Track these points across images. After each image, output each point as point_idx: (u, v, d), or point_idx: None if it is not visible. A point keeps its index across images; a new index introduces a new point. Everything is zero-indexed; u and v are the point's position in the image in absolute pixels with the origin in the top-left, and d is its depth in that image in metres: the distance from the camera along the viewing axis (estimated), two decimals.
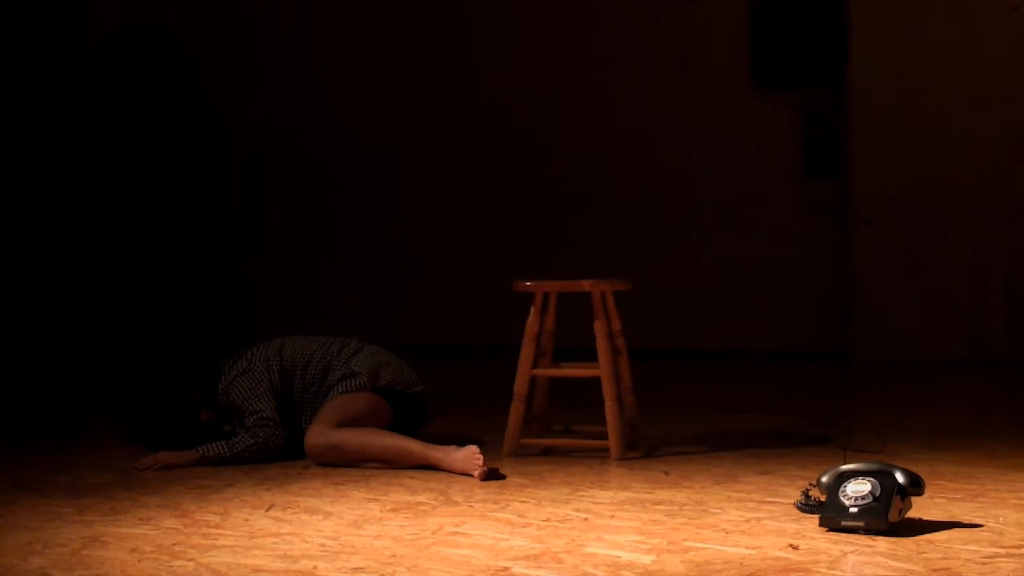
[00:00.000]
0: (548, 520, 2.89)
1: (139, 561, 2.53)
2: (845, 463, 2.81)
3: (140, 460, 3.71)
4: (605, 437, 3.80)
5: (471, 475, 3.45)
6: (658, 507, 3.02)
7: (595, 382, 3.83)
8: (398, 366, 3.95)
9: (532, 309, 3.89)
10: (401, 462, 3.61)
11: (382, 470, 3.59)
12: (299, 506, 3.09)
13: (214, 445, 3.74)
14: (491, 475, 3.46)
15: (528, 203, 8.24)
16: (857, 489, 2.67)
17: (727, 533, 2.72)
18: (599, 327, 3.81)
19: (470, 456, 3.48)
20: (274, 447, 3.76)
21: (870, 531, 2.63)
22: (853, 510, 2.65)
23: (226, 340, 8.26)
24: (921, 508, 2.88)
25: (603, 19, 8.14)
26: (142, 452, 3.81)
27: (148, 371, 4.18)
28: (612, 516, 2.93)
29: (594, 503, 3.09)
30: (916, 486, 2.71)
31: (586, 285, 3.84)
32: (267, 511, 3.03)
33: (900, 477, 2.69)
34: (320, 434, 3.68)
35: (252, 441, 3.74)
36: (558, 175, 8.20)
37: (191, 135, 9.05)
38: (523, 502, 3.11)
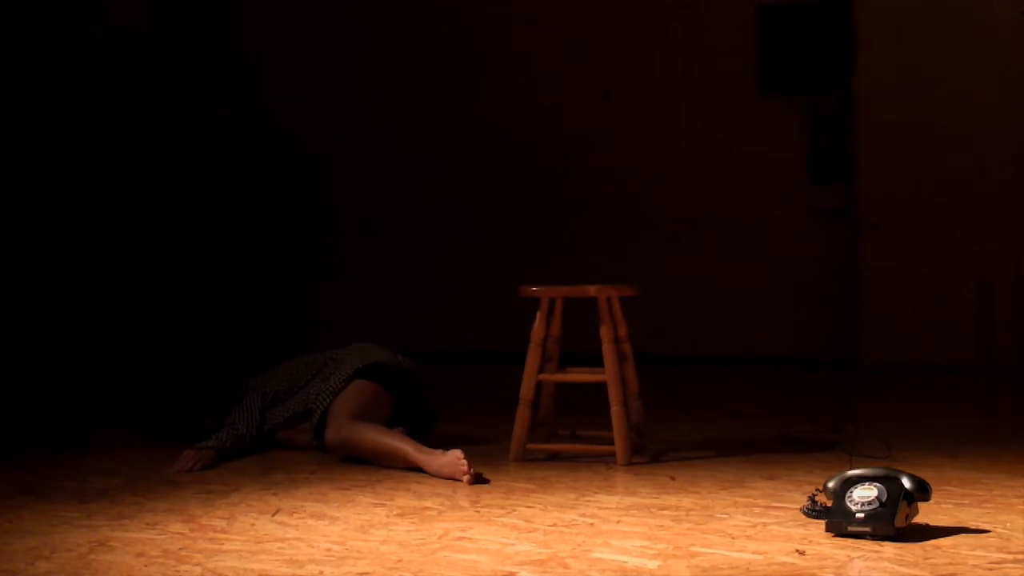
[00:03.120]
0: (554, 525, 2.89)
1: (145, 566, 2.53)
2: (851, 468, 2.81)
3: (176, 463, 3.80)
4: (611, 442, 3.80)
5: (457, 480, 3.47)
6: (664, 512, 3.02)
7: (601, 387, 3.83)
8: (387, 351, 4.19)
9: (538, 315, 3.89)
10: (398, 463, 3.68)
11: (388, 475, 3.60)
12: (305, 511, 3.09)
13: (214, 437, 3.95)
14: (477, 479, 3.47)
15: (534, 208, 8.25)
16: (864, 494, 2.67)
17: (733, 538, 2.72)
18: (605, 332, 3.81)
19: (455, 462, 3.49)
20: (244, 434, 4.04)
21: (877, 537, 2.63)
22: (860, 515, 2.64)
23: (230, 347, 8.27)
24: (928, 514, 2.87)
25: (607, 24, 8.15)
26: (151, 454, 3.83)
27: (190, 385, 4.51)
28: (618, 521, 2.92)
29: (600, 508, 3.09)
30: (923, 491, 2.71)
31: (592, 290, 3.84)
32: (273, 516, 3.03)
33: (907, 482, 2.69)
34: (336, 429, 3.84)
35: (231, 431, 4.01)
36: (564, 180, 8.21)
37: (196, 141, 9.07)
38: (529, 507, 3.11)
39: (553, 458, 3.91)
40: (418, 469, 3.61)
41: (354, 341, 4.34)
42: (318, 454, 4.00)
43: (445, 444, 3.72)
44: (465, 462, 3.46)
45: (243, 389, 4.21)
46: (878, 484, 2.68)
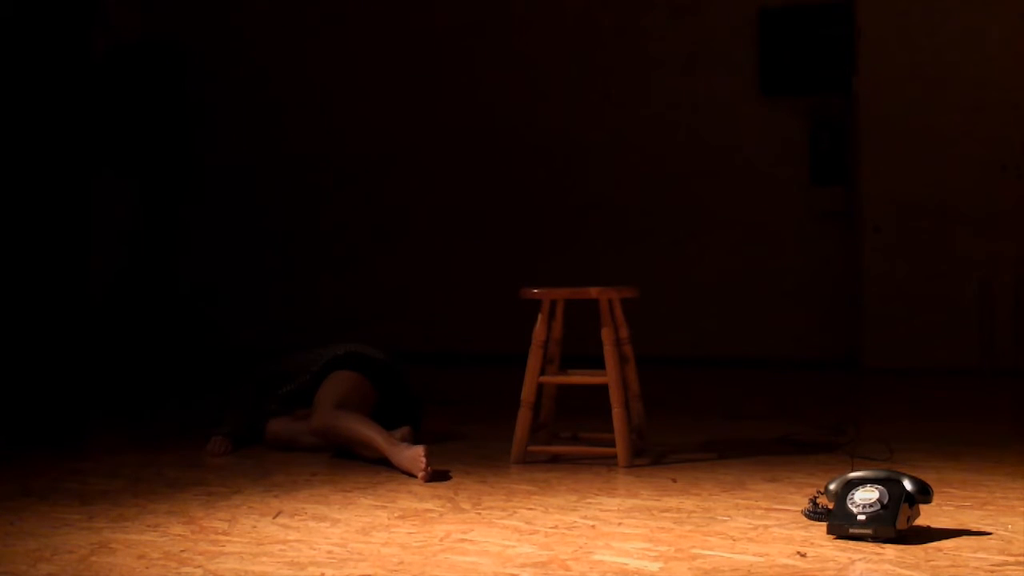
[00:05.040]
0: (555, 527, 2.89)
1: (147, 568, 2.53)
2: (853, 470, 2.80)
3: (210, 448, 4.10)
4: (612, 444, 3.80)
5: (414, 476, 3.55)
6: (665, 514, 3.02)
7: (602, 389, 3.83)
8: (368, 347, 4.35)
9: (540, 316, 3.89)
10: (371, 452, 3.81)
11: (390, 477, 3.60)
12: (307, 513, 3.09)
13: (226, 423, 4.22)
14: (436, 477, 3.54)
15: (535, 210, 8.25)
16: (865, 497, 2.67)
17: (735, 540, 2.72)
18: (606, 334, 3.81)
19: (414, 457, 3.57)
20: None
21: (878, 539, 2.63)
22: (861, 518, 2.64)
23: (230, 348, 8.27)
24: (929, 516, 2.87)
25: (610, 26, 8.15)
26: (152, 456, 3.83)
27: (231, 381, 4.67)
28: (619, 523, 2.92)
29: (601, 510, 3.08)
30: (924, 494, 2.70)
31: (593, 292, 3.84)
32: (275, 518, 3.03)
33: (908, 485, 2.69)
34: (321, 417, 3.99)
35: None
36: (565, 182, 8.21)
37: (196, 142, 9.07)
38: (531, 509, 3.11)
39: (554, 460, 3.91)
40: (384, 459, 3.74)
41: (338, 339, 4.52)
42: (319, 456, 4.01)
43: (446, 443, 3.72)
44: (424, 459, 3.53)
45: (242, 376, 4.42)
46: (879, 486, 2.68)
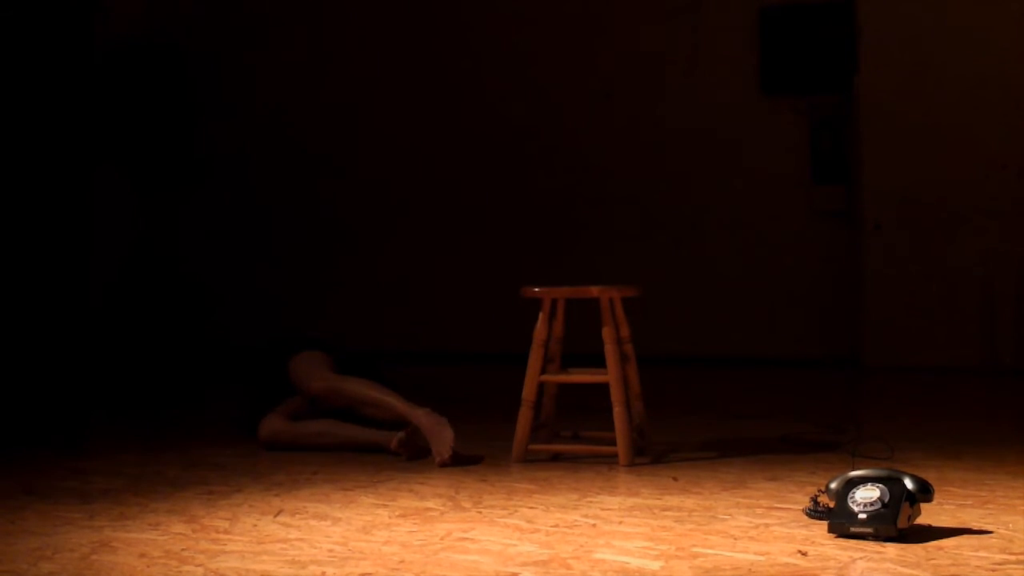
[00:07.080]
0: (557, 526, 2.89)
1: (148, 567, 2.53)
2: (854, 469, 2.80)
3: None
4: (613, 443, 3.80)
5: (428, 449, 3.72)
6: (667, 513, 3.02)
7: (603, 388, 3.83)
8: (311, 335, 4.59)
9: (540, 315, 3.89)
10: (381, 412, 3.92)
11: (391, 476, 3.60)
12: (308, 512, 3.09)
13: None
14: (466, 461, 3.69)
15: (536, 209, 8.25)
16: (866, 495, 2.67)
17: (736, 539, 2.72)
18: (607, 333, 3.81)
19: (444, 435, 3.70)
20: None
21: (879, 537, 2.63)
22: (862, 516, 2.64)
23: (230, 347, 8.27)
24: (930, 515, 2.87)
25: (610, 25, 8.15)
26: (153, 455, 3.83)
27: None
28: (620, 522, 2.92)
29: (602, 509, 3.08)
30: (925, 492, 2.70)
31: (594, 291, 3.84)
32: (276, 517, 3.03)
33: (909, 483, 2.69)
34: (322, 378, 4.06)
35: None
36: (566, 181, 8.21)
37: (197, 141, 9.08)
38: (532, 508, 3.11)
39: (555, 459, 3.91)
40: (394, 426, 3.85)
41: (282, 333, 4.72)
42: (320, 455, 4.00)
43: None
44: (451, 445, 3.67)
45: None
46: (880, 485, 2.68)
